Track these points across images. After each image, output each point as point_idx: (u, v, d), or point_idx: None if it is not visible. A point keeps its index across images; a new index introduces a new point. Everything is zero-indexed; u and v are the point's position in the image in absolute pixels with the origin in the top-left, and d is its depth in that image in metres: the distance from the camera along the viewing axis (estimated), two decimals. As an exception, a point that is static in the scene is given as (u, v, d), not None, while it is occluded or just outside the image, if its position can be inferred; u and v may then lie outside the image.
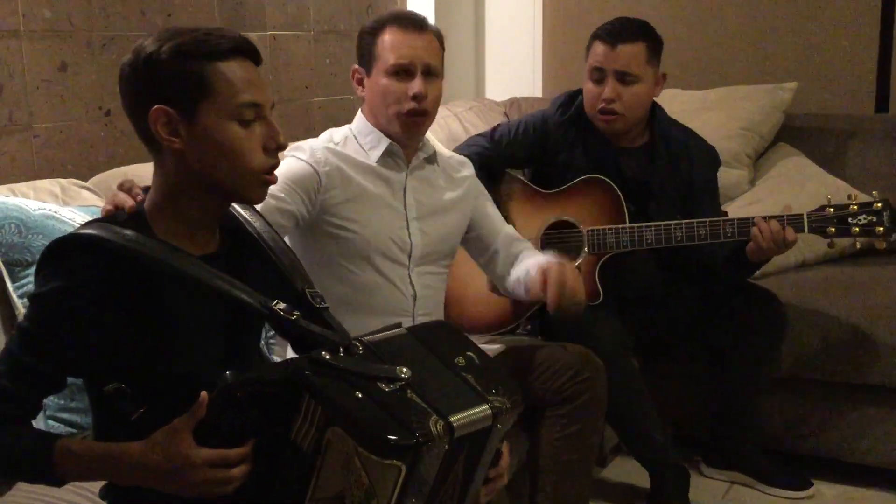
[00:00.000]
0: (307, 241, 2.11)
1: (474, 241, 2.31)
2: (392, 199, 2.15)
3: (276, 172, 2.00)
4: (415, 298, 2.16)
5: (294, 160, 2.09)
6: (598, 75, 2.60)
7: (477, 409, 1.41)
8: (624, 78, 2.58)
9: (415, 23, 2.11)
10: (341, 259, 2.10)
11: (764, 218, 2.42)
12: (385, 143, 2.13)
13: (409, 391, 1.38)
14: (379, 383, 1.37)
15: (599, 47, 2.61)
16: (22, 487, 1.73)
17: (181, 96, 1.42)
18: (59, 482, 1.41)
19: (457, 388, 1.45)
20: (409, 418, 1.33)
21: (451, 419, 1.36)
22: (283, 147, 1.50)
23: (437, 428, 1.33)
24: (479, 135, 2.82)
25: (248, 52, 1.48)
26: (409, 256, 2.15)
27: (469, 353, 1.52)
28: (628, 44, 2.58)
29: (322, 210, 2.08)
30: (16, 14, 2.23)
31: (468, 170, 2.33)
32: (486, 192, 2.37)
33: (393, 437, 1.29)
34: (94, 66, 2.43)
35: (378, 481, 1.30)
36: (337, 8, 3.27)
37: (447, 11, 3.76)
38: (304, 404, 1.33)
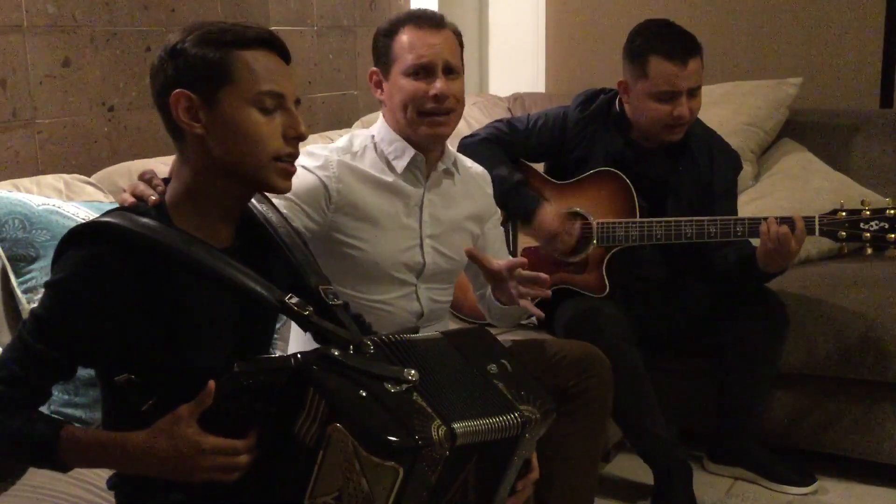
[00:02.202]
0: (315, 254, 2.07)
1: (471, 271, 2.25)
2: (407, 217, 2.10)
3: None
4: (420, 315, 2.12)
5: (302, 172, 2.02)
6: (668, 96, 2.53)
7: (499, 418, 1.41)
8: (694, 92, 2.55)
9: (432, 21, 2.06)
10: (348, 276, 2.05)
11: (776, 219, 2.41)
12: (410, 153, 2.07)
13: (414, 394, 1.37)
14: (385, 384, 1.36)
15: (668, 67, 2.51)
16: (27, 483, 1.74)
17: (203, 82, 1.44)
18: (64, 468, 1.42)
19: (483, 395, 1.45)
20: (410, 421, 1.32)
21: (455, 426, 1.35)
22: (303, 137, 1.50)
23: (438, 433, 1.32)
24: (496, 120, 2.84)
25: (275, 46, 1.50)
26: (419, 275, 2.12)
27: (503, 360, 1.53)
28: (694, 58, 2.53)
29: (331, 227, 2.03)
30: (19, 9, 2.23)
31: (489, 186, 2.28)
32: (498, 212, 2.34)
33: (392, 439, 1.29)
34: (98, 61, 2.42)
35: (375, 482, 1.29)
36: (340, 3, 3.26)
37: (451, 7, 3.76)
38: (310, 398, 1.33)
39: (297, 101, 1.52)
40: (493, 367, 1.50)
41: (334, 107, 3.26)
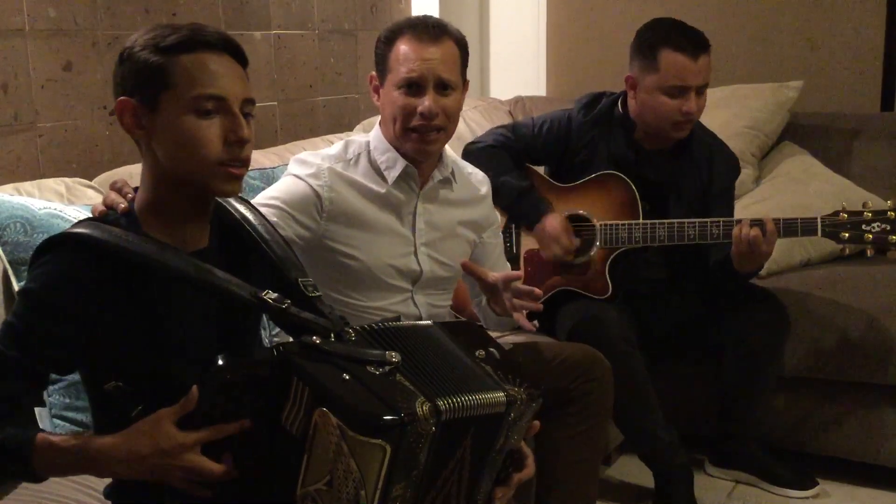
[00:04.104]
0: (307, 263, 2.05)
1: (469, 279, 2.22)
2: (400, 226, 2.08)
3: (274, 192, 2.01)
4: (419, 320, 2.09)
5: (294, 181, 2.02)
6: (678, 90, 2.52)
7: (484, 395, 1.42)
8: (701, 90, 2.55)
9: (431, 31, 2.00)
10: (344, 284, 2.05)
11: (748, 222, 2.43)
12: (401, 165, 2.05)
13: (398, 375, 1.38)
14: (368, 367, 1.37)
15: (680, 59, 2.50)
16: (29, 486, 1.73)
17: (144, 87, 1.44)
18: (36, 477, 1.38)
19: (469, 375, 1.46)
20: (394, 399, 1.33)
21: (438, 402, 1.35)
22: (244, 141, 1.46)
23: (422, 409, 1.33)
24: (500, 125, 2.84)
25: (225, 48, 1.47)
26: (415, 283, 2.11)
27: (491, 348, 1.54)
28: (705, 54, 2.53)
29: (324, 235, 2.02)
30: (21, 13, 2.23)
31: (486, 187, 2.26)
32: (497, 220, 2.33)
33: (376, 415, 1.30)
34: (99, 65, 2.43)
35: (364, 463, 1.30)
36: (341, 7, 3.26)
37: (452, 11, 3.76)
38: (293, 387, 1.33)
39: (250, 102, 1.49)
40: (480, 352, 1.52)
41: (335, 110, 3.26)
